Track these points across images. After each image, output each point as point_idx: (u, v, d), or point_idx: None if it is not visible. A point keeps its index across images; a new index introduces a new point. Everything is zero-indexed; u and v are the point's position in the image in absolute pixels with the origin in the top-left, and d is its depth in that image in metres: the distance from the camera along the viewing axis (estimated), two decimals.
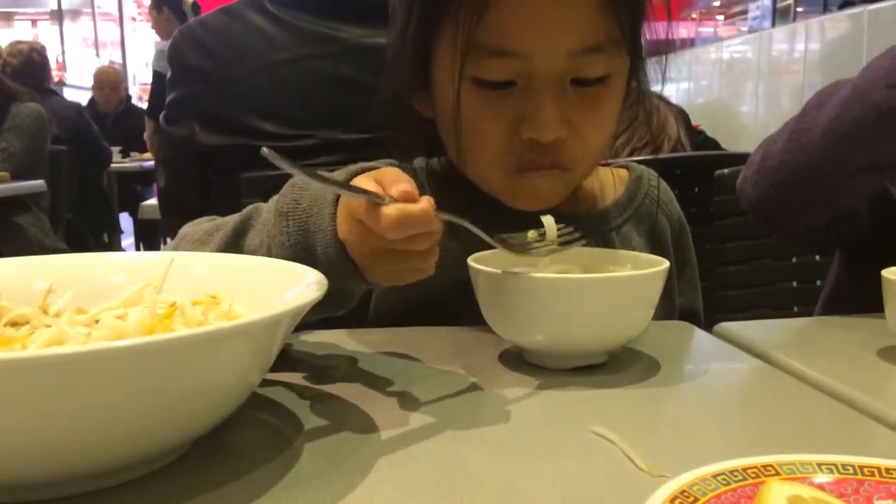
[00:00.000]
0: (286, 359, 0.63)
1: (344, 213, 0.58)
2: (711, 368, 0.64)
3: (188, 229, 0.72)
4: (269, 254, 0.62)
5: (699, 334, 0.74)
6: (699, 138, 2.12)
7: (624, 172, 0.86)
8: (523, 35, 0.64)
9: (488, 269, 0.60)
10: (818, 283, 1.47)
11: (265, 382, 0.53)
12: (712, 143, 2.16)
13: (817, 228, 0.87)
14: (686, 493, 0.34)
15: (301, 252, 0.60)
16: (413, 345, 0.68)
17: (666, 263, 0.61)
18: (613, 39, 0.67)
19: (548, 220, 0.64)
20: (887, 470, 0.37)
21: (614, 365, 0.63)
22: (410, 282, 0.59)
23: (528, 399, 0.56)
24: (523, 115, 0.67)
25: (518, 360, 0.64)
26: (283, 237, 0.61)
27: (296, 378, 0.59)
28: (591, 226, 0.79)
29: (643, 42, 0.72)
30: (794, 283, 1.49)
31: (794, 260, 1.52)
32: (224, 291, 0.53)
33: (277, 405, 0.53)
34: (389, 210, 0.51)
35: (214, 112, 1.21)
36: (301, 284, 0.51)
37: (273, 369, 0.49)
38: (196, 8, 3.93)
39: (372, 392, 0.56)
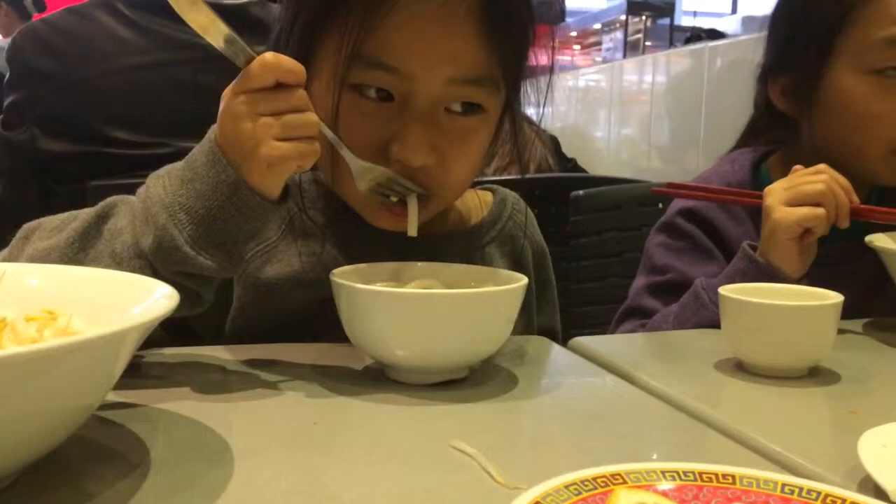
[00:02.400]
0: (136, 376, 0.59)
1: (220, 121, 0.59)
2: (566, 382, 0.66)
3: (34, 224, 0.66)
4: (137, 228, 0.59)
5: (555, 349, 0.76)
6: (569, 165, 2.21)
7: (489, 195, 0.88)
8: (407, 54, 0.66)
9: (351, 283, 0.59)
10: None
11: (109, 403, 0.50)
12: (582, 171, 2.26)
13: None
14: None
15: (188, 175, 0.59)
16: (271, 361, 0.65)
17: (524, 280, 0.63)
18: (492, 76, 0.69)
19: None
20: (724, 475, 0.39)
21: (474, 379, 0.64)
22: (294, 171, 0.59)
23: (388, 415, 0.56)
24: (395, 135, 0.67)
25: (379, 375, 0.63)
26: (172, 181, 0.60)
27: (143, 397, 0.55)
28: (456, 245, 0.80)
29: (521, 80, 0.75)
30: None
31: None
32: (62, 306, 0.49)
33: (121, 427, 0.50)
34: (259, 57, 0.56)
35: (58, 116, 1.14)
36: (150, 298, 0.48)
37: (118, 388, 0.45)
38: (40, 5, 3.67)
39: (226, 411, 0.54)
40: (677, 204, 0.99)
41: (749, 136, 1.07)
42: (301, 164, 0.59)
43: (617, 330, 0.99)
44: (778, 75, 0.97)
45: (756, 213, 0.86)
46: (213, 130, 0.60)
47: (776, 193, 0.81)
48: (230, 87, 0.59)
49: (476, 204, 0.86)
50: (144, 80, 1.14)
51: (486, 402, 0.59)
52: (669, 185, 0.93)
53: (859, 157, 0.91)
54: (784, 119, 0.99)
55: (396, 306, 0.58)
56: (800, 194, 0.79)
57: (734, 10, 8.72)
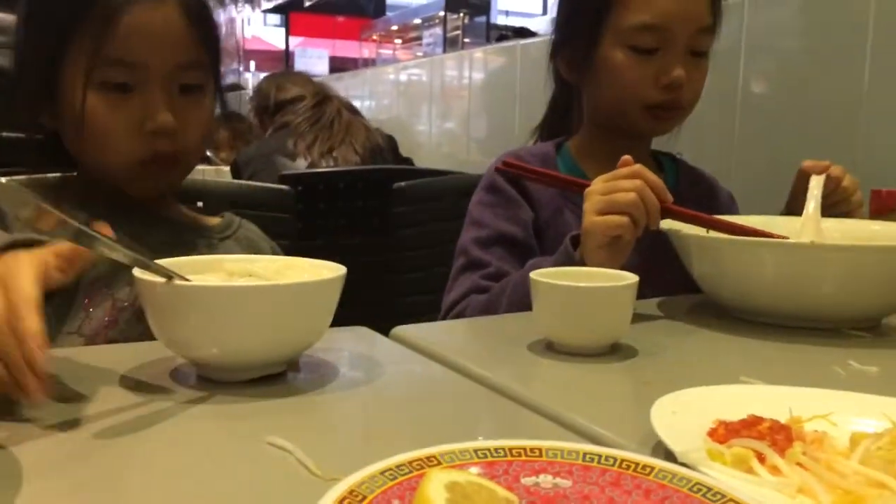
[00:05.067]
0: None
1: None
2: (387, 371, 0.67)
3: None
4: None
5: (377, 339, 0.77)
6: (405, 164, 2.23)
7: (216, 218, 1.01)
8: (141, 49, 0.82)
9: (154, 278, 0.56)
10: None
11: None
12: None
13: None
14: (355, 493, 0.34)
15: None
16: (71, 365, 0.60)
17: (343, 270, 0.62)
18: (202, 61, 0.88)
19: None
20: (532, 449, 0.41)
21: (293, 373, 0.62)
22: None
23: (200, 416, 0.53)
24: (144, 113, 0.83)
25: (190, 375, 0.60)
26: None
27: None
28: (196, 234, 0.95)
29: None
30: None
31: None
32: None
33: None
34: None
35: None
36: None
37: None
38: None
39: (14, 427, 0.49)
40: (493, 165, 1.11)
41: (551, 111, 1.23)
42: None
43: (455, 286, 1.06)
44: (563, 50, 1.14)
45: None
46: None
47: (591, 199, 0.87)
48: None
49: (206, 220, 1.00)
50: None
51: (304, 395, 0.58)
52: (506, 164, 1.00)
53: (622, 114, 1.08)
54: (572, 92, 1.16)
55: (204, 301, 0.56)
56: (611, 203, 0.85)
57: (545, 12, 9.17)
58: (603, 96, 1.11)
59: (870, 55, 1.63)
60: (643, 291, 0.72)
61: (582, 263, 0.86)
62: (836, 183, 1.00)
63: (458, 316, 1.03)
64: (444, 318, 1.05)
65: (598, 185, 0.88)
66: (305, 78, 2.45)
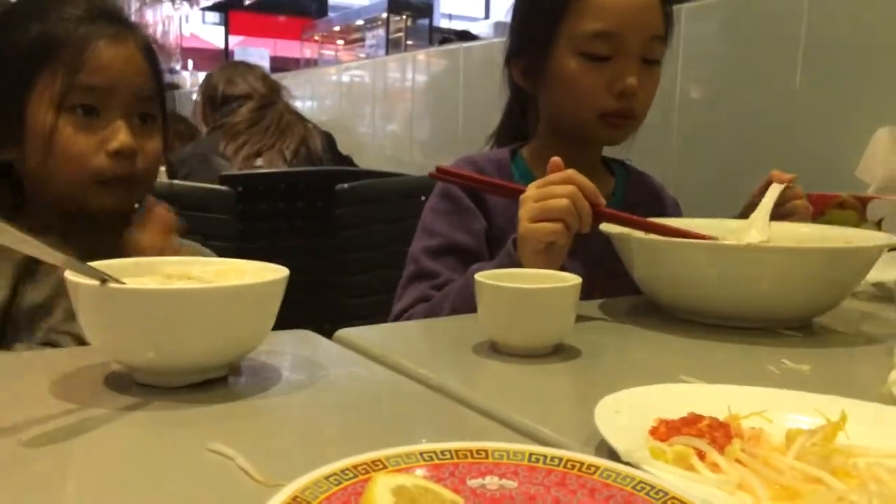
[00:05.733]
0: None
1: None
2: (331, 374, 0.66)
3: None
4: None
5: (320, 342, 0.76)
6: (345, 162, 2.20)
7: None
8: (109, 76, 0.90)
9: (87, 281, 0.54)
10: None
11: None
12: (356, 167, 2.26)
13: None
14: (298, 499, 0.34)
15: None
16: None
17: (285, 272, 0.61)
18: (155, 93, 0.95)
19: None
20: (478, 451, 0.41)
21: (234, 377, 0.61)
22: None
23: (136, 423, 0.51)
24: (107, 135, 0.90)
25: (127, 381, 0.58)
26: None
27: None
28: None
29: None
30: None
31: None
32: None
33: None
34: None
35: None
36: None
37: None
38: None
39: None
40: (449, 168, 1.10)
41: (507, 118, 1.23)
42: None
43: (404, 294, 1.05)
44: (518, 58, 1.14)
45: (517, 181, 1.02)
46: None
47: (525, 205, 0.88)
48: None
49: None
50: None
51: (246, 400, 0.57)
52: (439, 169, 0.99)
53: (577, 122, 1.09)
54: (527, 98, 1.17)
55: (144, 305, 0.54)
56: (544, 210, 0.86)
57: (487, 16, 9.23)
58: (557, 103, 1.11)
59: (801, 62, 1.69)
60: (593, 297, 0.73)
61: (521, 266, 0.87)
62: (796, 196, 1.03)
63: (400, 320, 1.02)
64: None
65: (531, 191, 0.89)
66: (261, 74, 2.32)
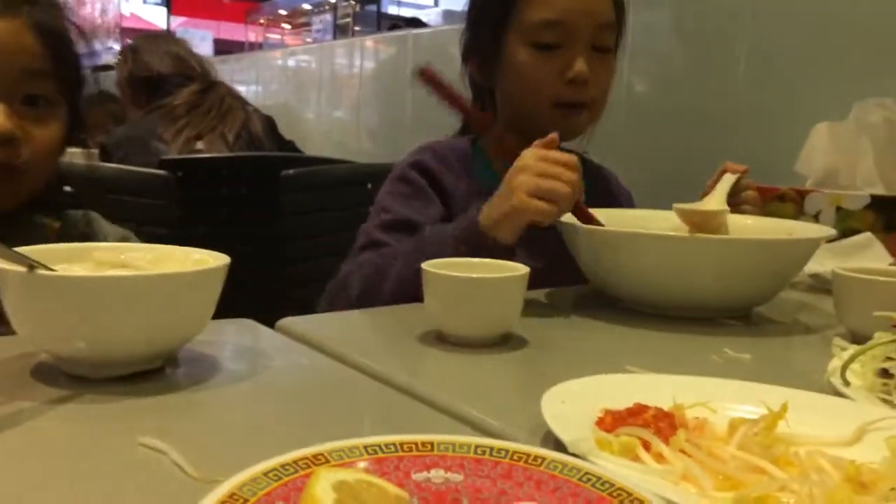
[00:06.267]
0: None
1: None
2: (273, 365, 0.64)
3: None
4: None
5: (262, 331, 0.74)
6: (287, 146, 2.15)
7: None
8: None
9: (14, 267, 0.51)
10: None
11: None
12: (300, 153, 2.20)
13: None
14: (235, 496, 0.32)
15: None
16: None
17: (226, 259, 0.59)
18: (48, 73, 0.86)
19: None
20: (423, 443, 0.40)
21: (171, 368, 0.59)
22: None
23: (65, 417, 0.49)
24: None
25: (55, 373, 0.56)
26: None
27: None
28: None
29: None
30: None
31: None
32: None
33: None
34: None
35: None
36: None
37: None
38: None
39: None
40: (408, 158, 1.12)
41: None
42: None
43: (351, 260, 1.03)
44: (473, 53, 1.15)
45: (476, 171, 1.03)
46: None
47: (526, 176, 0.84)
48: None
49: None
50: None
51: (182, 392, 0.55)
52: (425, 73, 0.95)
53: (531, 112, 1.09)
54: (486, 93, 1.16)
55: (74, 293, 0.52)
56: (548, 190, 0.83)
57: (436, 4, 9.20)
58: (512, 95, 1.11)
59: (744, 59, 1.72)
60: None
61: (477, 231, 0.86)
62: (748, 186, 1.05)
63: (346, 278, 1.00)
64: (331, 286, 1.02)
65: (532, 161, 0.85)
66: (185, 51, 2.16)
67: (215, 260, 0.60)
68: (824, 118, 1.37)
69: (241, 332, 0.73)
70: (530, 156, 0.86)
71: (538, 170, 0.85)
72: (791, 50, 1.64)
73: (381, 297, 0.92)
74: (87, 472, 0.42)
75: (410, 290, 0.83)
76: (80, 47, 0.92)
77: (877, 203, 1.16)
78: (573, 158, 0.87)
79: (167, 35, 2.35)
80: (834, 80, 1.54)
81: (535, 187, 0.84)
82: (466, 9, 1.18)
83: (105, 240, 0.95)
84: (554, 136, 0.89)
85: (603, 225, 0.91)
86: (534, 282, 0.73)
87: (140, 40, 2.24)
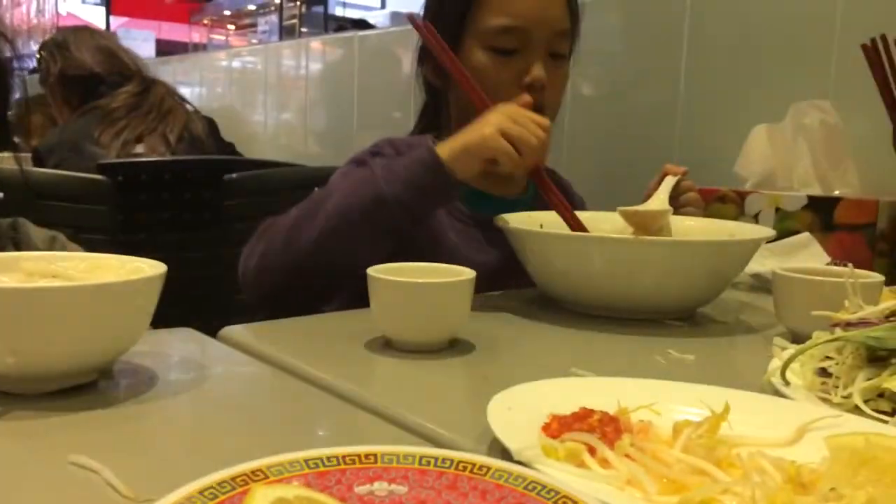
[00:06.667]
0: None
1: None
2: (213, 375, 0.62)
3: None
4: None
5: (203, 341, 0.72)
6: (228, 149, 2.10)
7: None
8: None
9: None
10: None
11: None
12: (241, 156, 2.15)
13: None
14: None
15: None
16: None
17: (163, 267, 0.57)
18: None
19: None
20: (366, 455, 0.39)
21: (106, 381, 0.57)
22: None
23: None
24: None
25: None
26: None
27: None
28: None
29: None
30: None
31: None
32: None
33: None
34: None
35: None
36: None
37: None
38: None
39: None
40: (368, 147, 1.11)
41: (422, 117, 1.22)
42: None
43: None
44: (429, 55, 1.13)
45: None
46: None
47: (500, 115, 0.88)
48: None
49: None
50: None
51: (117, 407, 0.53)
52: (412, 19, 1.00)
53: None
54: (441, 97, 1.16)
55: (4, 304, 0.49)
56: (518, 136, 0.87)
57: (383, 5, 9.16)
58: (468, 99, 1.09)
59: (685, 62, 1.75)
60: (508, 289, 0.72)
61: (434, 161, 0.87)
62: (689, 188, 1.07)
63: (265, 232, 0.97)
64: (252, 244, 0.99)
65: (511, 108, 0.90)
66: (115, 45, 2.03)
67: (151, 268, 0.58)
68: (762, 120, 1.40)
69: (181, 342, 0.71)
70: (507, 105, 0.90)
71: (513, 115, 0.88)
72: (728, 54, 1.67)
73: (316, 222, 0.89)
74: (13, 492, 0.40)
75: (351, 218, 0.86)
76: (6, 51, 0.89)
77: (814, 203, 1.19)
78: (546, 121, 0.90)
79: (90, 28, 2.19)
80: (772, 83, 1.58)
81: (507, 128, 0.87)
82: (422, 11, 1.18)
83: (34, 246, 0.91)
84: (528, 98, 0.92)
85: (560, 201, 0.93)
86: (483, 285, 0.73)
87: (65, 34, 2.05)
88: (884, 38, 1.28)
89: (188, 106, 2.00)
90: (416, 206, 0.89)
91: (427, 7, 1.17)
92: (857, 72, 1.33)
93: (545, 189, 0.95)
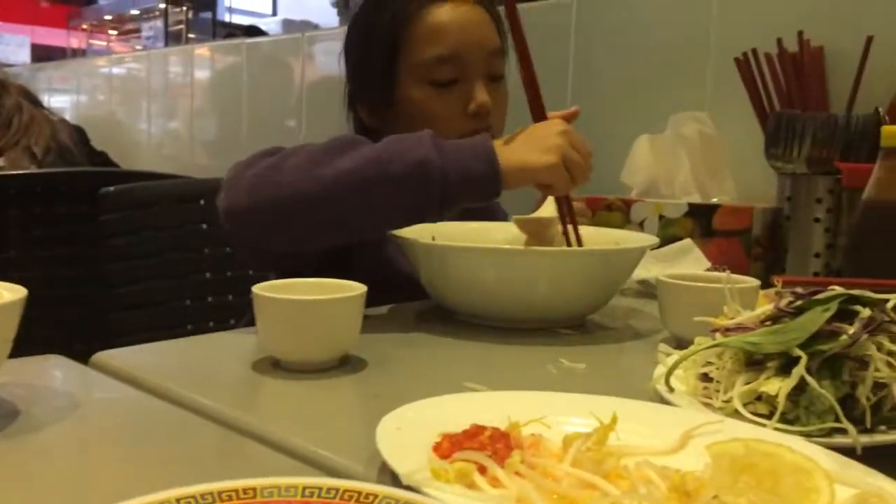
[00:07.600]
0: None
1: None
2: (82, 404, 0.58)
3: None
4: None
5: (73, 368, 0.67)
6: (98, 159, 1.98)
7: None
8: None
9: None
10: (209, 299, 1.51)
11: None
12: (115, 166, 2.04)
13: (290, 251, 0.89)
14: None
15: None
16: None
17: (23, 292, 0.53)
18: None
19: None
20: (245, 490, 0.37)
21: None
22: None
23: None
24: None
25: None
26: None
27: None
28: None
29: None
30: (188, 302, 1.51)
31: (188, 279, 1.53)
32: None
33: None
34: None
35: None
36: None
37: None
38: None
39: None
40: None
41: None
42: None
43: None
44: (363, 98, 1.11)
45: None
46: None
47: (563, 140, 0.85)
48: None
49: None
50: None
51: None
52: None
53: None
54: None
55: None
56: (574, 164, 0.85)
57: (275, 13, 9.01)
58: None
59: (571, 76, 1.80)
60: None
61: (492, 157, 0.82)
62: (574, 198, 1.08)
63: (263, 157, 0.86)
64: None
65: (569, 130, 0.87)
66: None
67: (10, 293, 0.53)
68: (647, 131, 1.45)
69: (47, 371, 0.66)
70: (565, 127, 0.87)
71: (574, 142, 0.86)
72: (613, 71, 1.73)
73: (343, 161, 0.82)
74: None
75: (383, 170, 0.79)
76: None
77: (694, 210, 1.24)
78: (590, 148, 0.88)
79: None
80: (653, 95, 1.64)
81: (570, 157, 0.84)
82: (343, 52, 1.13)
83: None
84: (576, 108, 0.93)
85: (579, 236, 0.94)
86: (376, 299, 0.71)
87: None
88: (755, 51, 1.36)
89: (52, 115, 1.88)
90: (454, 187, 0.81)
91: (349, 54, 1.12)
92: (731, 84, 1.40)
93: (563, 205, 0.94)
